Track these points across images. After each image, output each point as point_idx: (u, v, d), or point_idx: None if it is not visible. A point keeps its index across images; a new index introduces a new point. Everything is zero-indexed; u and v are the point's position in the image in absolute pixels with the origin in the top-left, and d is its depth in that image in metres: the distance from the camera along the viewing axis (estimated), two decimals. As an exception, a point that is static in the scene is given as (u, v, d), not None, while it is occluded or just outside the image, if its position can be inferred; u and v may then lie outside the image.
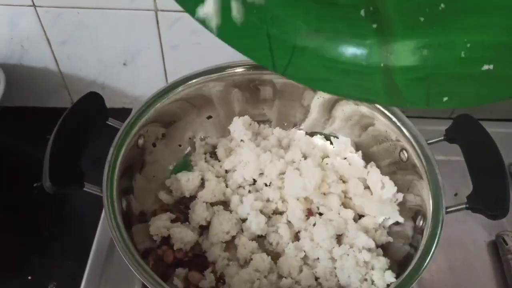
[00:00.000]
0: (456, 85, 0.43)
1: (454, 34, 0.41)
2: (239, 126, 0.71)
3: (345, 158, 0.70)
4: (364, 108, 0.68)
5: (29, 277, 0.69)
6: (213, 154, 0.74)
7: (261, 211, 0.65)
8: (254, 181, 0.69)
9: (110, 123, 0.60)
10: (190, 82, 0.66)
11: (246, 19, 0.44)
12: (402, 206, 0.65)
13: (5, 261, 0.71)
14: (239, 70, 0.69)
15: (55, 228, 0.75)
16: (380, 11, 0.42)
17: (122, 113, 0.61)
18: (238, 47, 0.47)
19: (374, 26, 0.44)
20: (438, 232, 0.53)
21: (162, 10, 0.78)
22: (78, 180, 0.52)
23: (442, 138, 0.62)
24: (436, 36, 0.42)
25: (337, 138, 0.73)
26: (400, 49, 0.44)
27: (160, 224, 0.62)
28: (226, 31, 0.45)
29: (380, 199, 0.65)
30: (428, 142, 0.61)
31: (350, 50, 0.46)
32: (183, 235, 0.61)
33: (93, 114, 0.58)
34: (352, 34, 0.45)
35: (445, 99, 0.44)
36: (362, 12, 0.43)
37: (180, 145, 0.73)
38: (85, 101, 0.58)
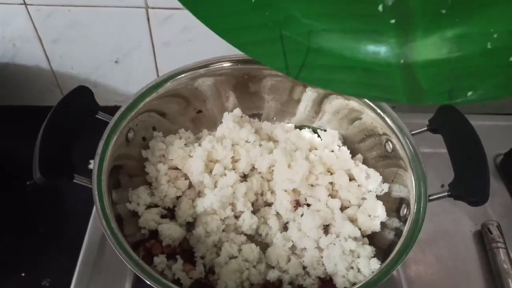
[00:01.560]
0: (482, 77, 0.41)
1: (479, 25, 0.39)
2: (229, 122, 0.72)
3: (332, 151, 0.71)
4: (352, 103, 0.69)
5: (23, 274, 0.70)
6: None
7: (252, 204, 0.66)
8: (245, 175, 0.69)
9: (100, 117, 0.61)
10: (179, 77, 0.67)
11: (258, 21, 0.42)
12: (387, 197, 0.66)
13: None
14: (228, 64, 0.70)
15: (49, 225, 0.76)
16: (399, 5, 0.40)
17: (115, 111, 0.62)
18: (249, 51, 0.45)
19: (393, 21, 0.42)
20: (421, 217, 0.54)
21: (153, 8, 0.79)
22: (68, 172, 0.53)
23: (426, 128, 0.63)
24: (460, 27, 0.40)
25: (325, 131, 0.74)
26: (422, 43, 0.42)
27: (149, 217, 0.62)
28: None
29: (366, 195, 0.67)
30: (412, 132, 0.63)
31: (368, 49, 0.44)
32: (171, 231, 0.61)
33: (82, 107, 0.59)
34: (369, 32, 0.43)
35: (469, 93, 0.41)
36: (380, 8, 0.41)
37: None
38: (74, 95, 0.59)
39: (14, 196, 0.80)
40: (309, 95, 0.74)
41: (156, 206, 0.65)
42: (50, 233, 0.75)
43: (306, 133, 0.74)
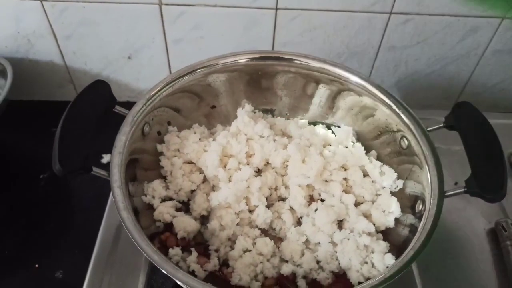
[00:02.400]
0: None
1: None
2: (244, 117, 0.72)
3: (347, 147, 0.71)
4: (366, 99, 0.69)
5: (37, 265, 0.70)
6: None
7: (266, 199, 0.66)
8: (259, 170, 0.70)
9: (116, 111, 0.61)
10: (194, 72, 0.68)
11: None
12: (402, 193, 0.66)
13: (13, 251, 0.72)
14: (242, 60, 0.70)
15: (61, 219, 0.77)
16: None
17: (126, 107, 0.63)
18: None
19: None
20: (437, 214, 0.53)
21: (167, 4, 0.80)
22: (86, 164, 0.53)
23: (442, 125, 0.63)
24: None
25: (339, 127, 0.74)
26: None
27: (164, 210, 0.63)
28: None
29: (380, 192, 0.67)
30: (428, 129, 0.62)
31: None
32: (186, 224, 0.62)
33: (100, 101, 0.59)
34: None
35: None
36: None
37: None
38: (92, 89, 0.59)
39: (27, 189, 0.81)
40: (322, 91, 0.74)
41: (171, 199, 0.66)
42: (62, 226, 0.76)
43: (320, 129, 0.74)
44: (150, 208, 0.64)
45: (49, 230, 0.75)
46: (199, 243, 0.63)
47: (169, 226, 0.63)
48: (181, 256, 0.59)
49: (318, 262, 0.61)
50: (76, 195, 0.83)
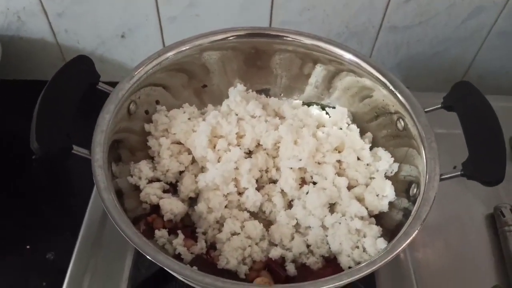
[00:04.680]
0: None
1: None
2: (237, 96, 0.69)
3: (341, 129, 0.69)
4: (364, 80, 0.67)
5: (28, 247, 0.70)
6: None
7: (256, 181, 0.64)
8: (250, 151, 0.68)
9: (100, 88, 0.59)
10: (184, 48, 0.65)
11: None
12: (397, 177, 0.64)
13: (4, 232, 0.72)
14: (235, 36, 0.68)
15: (54, 201, 0.76)
16: None
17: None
18: None
19: None
20: (431, 197, 0.51)
21: (160, -20, 0.78)
22: (66, 143, 0.51)
23: (440, 106, 0.61)
24: None
25: (334, 108, 0.72)
26: None
27: (151, 192, 0.61)
28: None
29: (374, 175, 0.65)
30: (426, 110, 0.60)
31: None
32: (173, 206, 0.60)
33: (82, 77, 0.57)
34: None
35: None
36: None
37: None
38: (74, 64, 0.57)
39: (19, 171, 0.80)
40: (319, 71, 0.72)
41: (158, 180, 0.64)
42: (54, 208, 0.75)
43: (314, 110, 0.72)
44: (137, 189, 0.62)
45: (41, 211, 0.74)
46: (186, 226, 0.62)
47: (155, 209, 0.61)
48: (168, 239, 0.58)
49: (308, 246, 0.59)
50: (68, 176, 0.82)
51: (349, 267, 0.56)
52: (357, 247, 0.57)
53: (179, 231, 0.58)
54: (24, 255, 0.69)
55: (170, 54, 0.64)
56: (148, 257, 0.47)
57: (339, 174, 0.65)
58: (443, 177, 0.54)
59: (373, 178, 0.64)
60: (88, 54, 0.88)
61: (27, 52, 0.91)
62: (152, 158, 0.66)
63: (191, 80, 0.71)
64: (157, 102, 0.68)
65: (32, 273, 0.67)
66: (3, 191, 0.76)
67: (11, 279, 0.67)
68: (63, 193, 0.78)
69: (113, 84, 0.61)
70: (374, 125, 0.69)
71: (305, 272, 0.57)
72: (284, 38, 0.68)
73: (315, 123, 0.69)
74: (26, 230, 0.72)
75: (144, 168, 0.62)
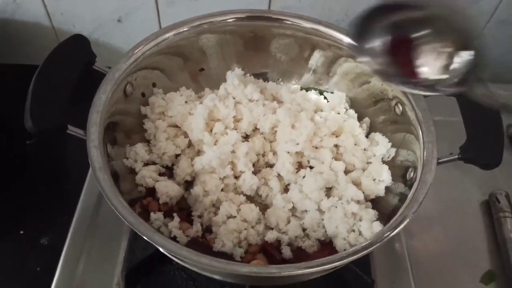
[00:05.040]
0: None
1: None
2: (234, 79, 0.69)
3: (339, 113, 0.69)
4: (363, 66, 0.66)
5: (22, 232, 0.70)
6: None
7: (253, 165, 0.64)
8: (247, 135, 0.67)
9: (96, 68, 0.58)
10: (181, 30, 0.64)
11: None
12: (394, 162, 0.64)
13: (-2, 217, 0.71)
14: (233, 19, 0.67)
15: (48, 185, 0.76)
16: None
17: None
18: None
19: None
20: (428, 180, 0.51)
21: (157, -39, 0.77)
22: (61, 122, 0.51)
23: (438, 91, 0.60)
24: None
25: (332, 93, 0.72)
26: None
27: (147, 174, 0.60)
28: None
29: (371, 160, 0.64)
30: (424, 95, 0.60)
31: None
32: (169, 189, 0.59)
33: (78, 56, 0.56)
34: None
35: None
36: None
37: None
38: (70, 43, 0.57)
39: (14, 155, 0.79)
40: (317, 56, 0.71)
41: (154, 164, 0.63)
42: (49, 192, 0.75)
43: (312, 94, 0.71)
44: (133, 172, 0.62)
45: (35, 196, 0.74)
46: (182, 209, 0.61)
47: (151, 191, 0.61)
48: (163, 222, 0.57)
49: (304, 229, 0.59)
50: (63, 160, 0.82)
51: (344, 250, 0.56)
52: (353, 230, 0.57)
53: (174, 214, 0.58)
54: (18, 240, 0.69)
55: (168, 35, 0.63)
56: (144, 237, 0.46)
57: (336, 159, 0.64)
58: (440, 160, 0.54)
59: (370, 163, 0.64)
60: (84, 38, 0.88)
61: (22, 35, 0.89)
62: (148, 141, 0.66)
63: (189, 63, 0.70)
64: (154, 85, 0.67)
65: (27, 259, 0.67)
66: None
67: (5, 265, 0.67)
68: (57, 177, 0.78)
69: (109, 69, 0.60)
70: (372, 110, 0.69)
71: (300, 255, 0.57)
72: (284, 21, 0.67)
73: (313, 108, 0.68)
74: (20, 216, 0.71)
75: (140, 151, 0.62)
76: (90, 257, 0.63)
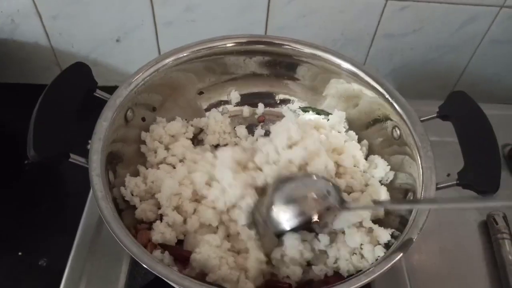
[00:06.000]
0: None
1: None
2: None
3: (339, 132, 0.70)
4: (356, 86, 0.67)
5: (20, 253, 0.69)
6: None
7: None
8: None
9: (98, 95, 0.59)
10: (181, 55, 0.65)
11: None
12: (393, 185, 0.64)
13: (-5, 239, 0.70)
14: (232, 44, 0.68)
15: (47, 205, 0.75)
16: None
17: (114, 91, 0.60)
18: None
19: None
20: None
21: (156, -17, 0.77)
22: (63, 151, 0.51)
23: (435, 115, 0.61)
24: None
25: (330, 114, 0.72)
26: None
27: (147, 208, 0.59)
28: None
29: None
30: (421, 119, 0.60)
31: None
32: (166, 234, 0.57)
33: (80, 84, 0.57)
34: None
35: None
36: None
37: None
38: (72, 71, 0.57)
39: (12, 175, 0.79)
40: (311, 74, 0.72)
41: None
42: (47, 213, 0.74)
43: (311, 115, 0.73)
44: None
45: (33, 217, 0.73)
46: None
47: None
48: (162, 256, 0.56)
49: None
50: (61, 181, 0.81)
51: (347, 271, 0.56)
52: (355, 253, 0.57)
53: (166, 253, 0.56)
54: (16, 262, 0.68)
55: (168, 60, 0.64)
56: (147, 267, 0.46)
57: (338, 176, 0.65)
58: (439, 186, 0.54)
59: (368, 185, 0.64)
60: (83, 57, 0.89)
61: (20, 55, 0.90)
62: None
63: (188, 86, 0.71)
64: (154, 109, 0.68)
65: (25, 280, 0.66)
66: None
67: (3, 286, 0.66)
68: (55, 198, 0.77)
69: (107, 88, 0.61)
70: (369, 132, 0.70)
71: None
72: (284, 46, 0.69)
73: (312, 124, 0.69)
74: (17, 236, 0.71)
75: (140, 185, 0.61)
76: (91, 281, 0.63)
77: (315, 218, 0.54)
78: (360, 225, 0.59)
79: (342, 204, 0.56)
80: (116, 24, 0.85)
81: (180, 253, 0.57)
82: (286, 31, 0.85)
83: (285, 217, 0.55)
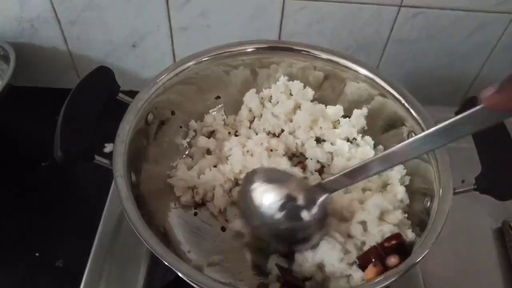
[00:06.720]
0: None
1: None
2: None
3: (355, 139, 0.71)
4: (373, 91, 0.68)
5: (37, 254, 0.70)
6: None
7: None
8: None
9: (120, 98, 0.60)
10: (200, 60, 0.66)
11: None
12: (409, 189, 0.64)
13: (13, 239, 0.71)
14: (251, 49, 0.69)
15: (63, 207, 0.76)
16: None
17: (130, 95, 0.61)
18: None
19: None
20: (446, 211, 0.52)
21: (173, -10, 0.79)
22: (88, 152, 0.52)
23: (451, 119, 0.61)
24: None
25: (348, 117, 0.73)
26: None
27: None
28: None
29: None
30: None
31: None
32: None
33: (104, 87, 0.58)
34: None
35: None
36: None
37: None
38: (96, 75, 0.58)
39: (29, 177, 0.80)
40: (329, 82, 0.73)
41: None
42: (63, 214, 0.75)
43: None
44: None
45: (50, 218, 0.74)
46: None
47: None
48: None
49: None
50: (77, 183, 0.82)
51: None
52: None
53: None
54: (32, 263, 0.69)
55: (188, 64, 0.65)
56: (170, 266, 0.47)
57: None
58: (456, 191, 0.55)
59: (388, 184, 0.65)
60: (99, 62, 0.90)
61: (39, 59, 0.91)
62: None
63: (206, 91, 0.72)
64: (173, 113, 0.69)
65: (41, 282, 0.67)
66: (11, 197, 0.76)
67: (20, 287, 0.67)
68: (72, 199, 0.78)
69: (123, 93, 0.62)
70: (384, 138, 0.70)
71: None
72: (302, 52, 0.70)
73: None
74: (34, 237, 0.72)
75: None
76: (110, 282, 0.63)
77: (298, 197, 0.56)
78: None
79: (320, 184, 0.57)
80: (132, 29, 0.86)
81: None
82: (299, 37, 0.86)
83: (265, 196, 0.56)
